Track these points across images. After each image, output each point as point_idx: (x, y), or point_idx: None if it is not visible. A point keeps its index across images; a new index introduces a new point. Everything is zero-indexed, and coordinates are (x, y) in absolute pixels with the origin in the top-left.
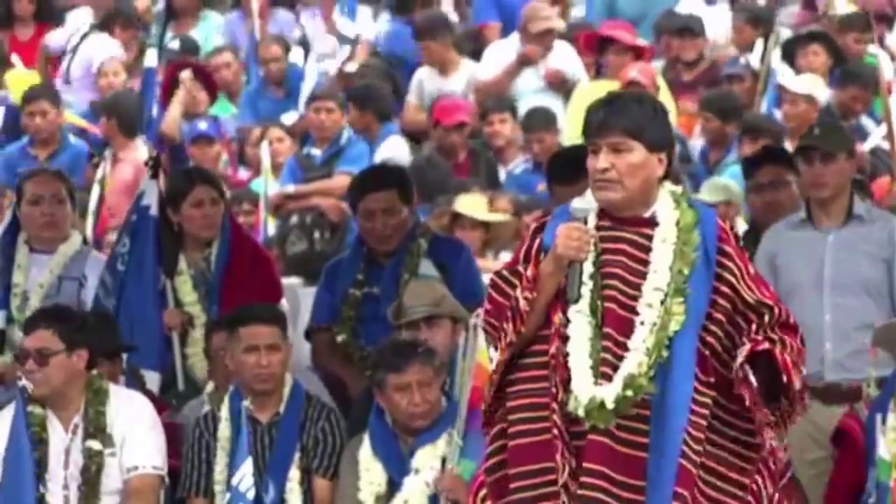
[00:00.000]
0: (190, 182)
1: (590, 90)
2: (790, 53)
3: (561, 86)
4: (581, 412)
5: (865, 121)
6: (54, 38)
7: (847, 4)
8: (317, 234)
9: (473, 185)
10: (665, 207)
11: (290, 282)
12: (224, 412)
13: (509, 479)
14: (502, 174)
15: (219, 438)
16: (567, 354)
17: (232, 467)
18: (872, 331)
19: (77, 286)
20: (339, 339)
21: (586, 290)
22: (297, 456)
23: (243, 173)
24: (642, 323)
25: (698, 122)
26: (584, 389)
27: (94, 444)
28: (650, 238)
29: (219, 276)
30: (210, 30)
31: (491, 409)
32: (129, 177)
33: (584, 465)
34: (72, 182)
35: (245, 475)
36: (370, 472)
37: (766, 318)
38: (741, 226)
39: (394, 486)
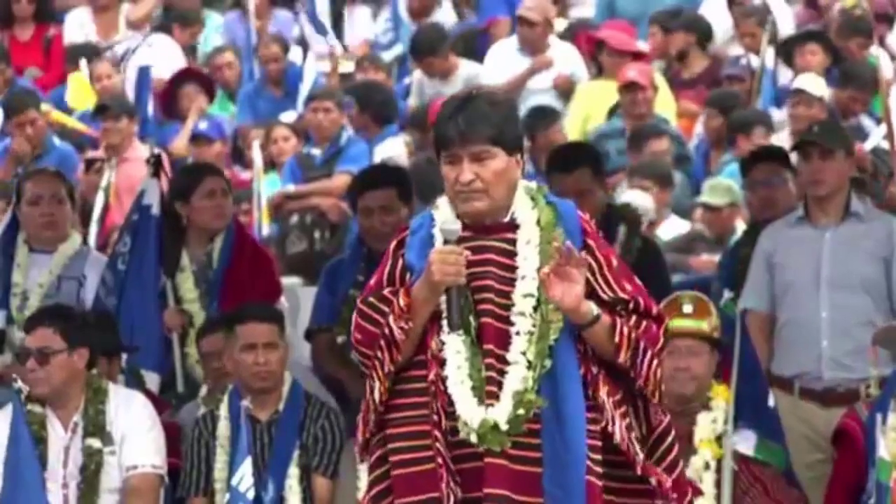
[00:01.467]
0: (200, 173)
1: (590, 90)
2: (788, 52)
3: (568, 90)
4: (474, 438)
5: (865, 121)
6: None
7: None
8: (317, 234)
9: None
10: (523, 208)
11: (289, 282)
12: (223, 411)
13: None
14: None
15: (218, 437)
16: (446, 379)
17: (231, 466)
18: (870, 328)
19: (77, 286)
20: (340, 339)
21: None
22: (296, 454)
23: (244, 174)
24: (518, 333)
25: (698, 120)
26: (472, 413)
27: (94, 443)
28: (514, 242)
29: (220, 273)
30: (209, 30)
31: (368, 437)
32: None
33: (486, 490)
34: (71, 182)
35: (244, 474)
36: None
37: (620, 310)
38: (741, 226)
39: None
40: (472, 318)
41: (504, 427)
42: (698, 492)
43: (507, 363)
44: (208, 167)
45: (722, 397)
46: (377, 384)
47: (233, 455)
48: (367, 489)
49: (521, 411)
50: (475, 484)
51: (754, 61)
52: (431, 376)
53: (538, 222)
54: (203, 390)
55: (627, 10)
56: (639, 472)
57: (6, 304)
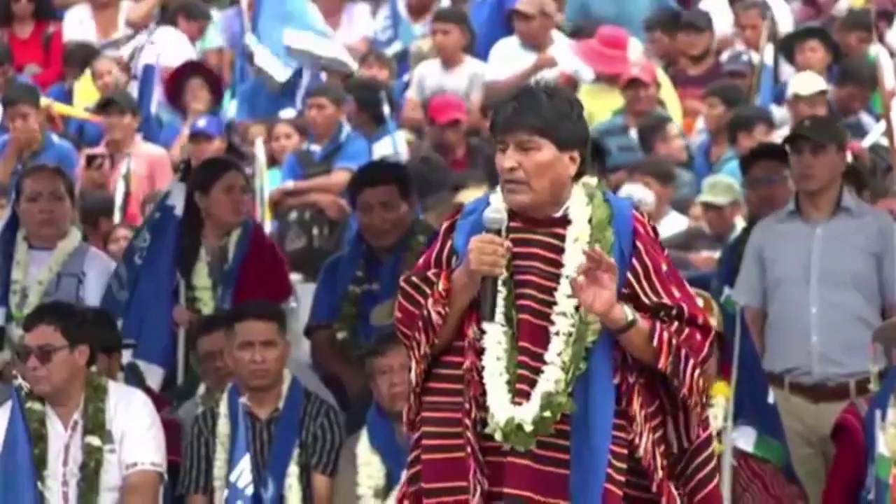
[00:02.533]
0: (222, 167)
1: (593, 89)
2: (789, 50)
3: (573, 89)
4: (499, 436)
5: (865, 117)
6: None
7: None
8: (315, 231)
9: (470, 179)
10: (578, 205)
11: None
12: (223, 408)
13: (423, 494)
14: None
15: (218, 435)
16: (482, 369)
17: (230, 463)
18: (860, 324)
19: (76, 283)
20: (339, 336)
21: (500, 297)
22: (296, 452)
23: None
24: (557, 334)
25: (699, 117)
26: (502, 410)
27: (93, 440)
28: (563, 238)
29: (236, 267)
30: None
31: (413, 419)
32: (143, 172)
33: (506, 490)
34: (70, 179)
35: (243, 471)
36: (369, 465)
37: (663, 316)
38: (741, 224)
39: (392, 479)
40: (513, 312)
41: (529, 428)
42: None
43: (541, 362)
44: (230, 163)
45: (722, 394)
46: (414, 365)
47: (232, 452)
48: (407, 467)
49: (547, 413)
50: (499, 479)
51: (756, 58)
52: (467, 364)
53: (590, 220)
54: (201, 389)
55: (603, 13)
56: (654, 488)
57: (5, 302)
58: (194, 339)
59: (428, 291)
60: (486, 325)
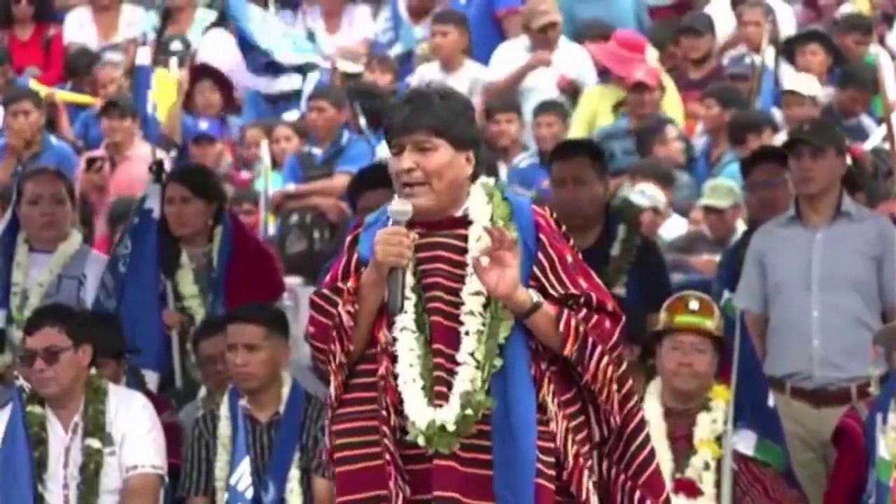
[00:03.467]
0: (168, 178)
1: (597, 93)
2: (790, 52)
3: (573, 93)
4: (422, 440)
5: (866, 120)
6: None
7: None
8: (316, 234)
9: None
10: (477, 204)
11: (289, 281)
12: (223, 411)
13: None
14: (503, 172)
15: (219, 437)
16: (397, 376)
17: (231, 466)
18: (861, 328)
19: (76, 285)
20: None
21: (410, 304)
22: (296, 456)
23: (243, 173)
24: (467, 333)
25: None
26: (421, 414)
27: (93, 443)
28: (465, 239)
29: (222, 272)
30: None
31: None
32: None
33: (436, 493)
34: (71, 181)
35: (243, 474)
36: None
37: (571, 304)
38: (742, 227)
39: None
40: (424, 316)
41: (451, 429)
42: (696, 492)
43: (455, 363)
44: (175, 172)
45: (722, 397)
46: (332, 378)
47: (232, 455)
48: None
49: (469, 412)
50: (424, 485)
51: (758, 60)
52: (381, 370)
53: (491, 218)
54: (202, 391)
55: (587, 16)
56: (565, 476)
57: (6, 304)
58: (195, 343)
59: (338, 300)
60: (397, 332)
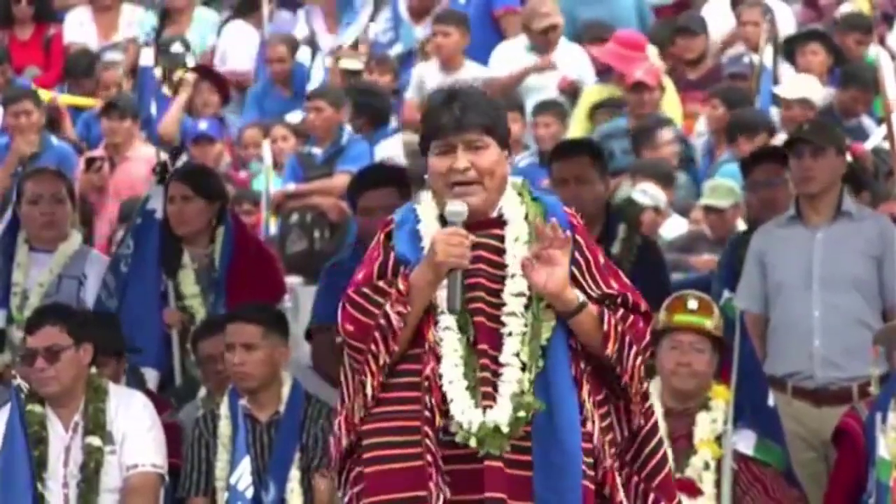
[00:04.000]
0: (171, 178)
1: (595, 91)
2: (790, 52)
3: (573, 94)
4: (473, 441)
5: (866, 121)
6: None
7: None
8: (317, 234)
9: None
10: (511, 204)
11: (290, 281)
12: (223, 410)
13: None
14: None
15: (219, 437)
16: (441, 376)
17: (232, 466)
18: (862, 327)
19: (77, 285)
20: (339, 339)
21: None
22: (297, 456)
23: (242, 173)
24: (510, 334)
25: (699, 120)
26: (470, 415)
27: (94, 441)
28: (502, 239)
29: (223, 272)
30: (205, 28)
31: (353, 441)
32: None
33: (488, 494)
34: (71, 181)
35: (243, 474)
36: None
37: (608, 304)
38: (741, 226)
39: None
40: (468, 316)
41: (505, 430)
42: (696, 492)
43: (499, 364)
44: (179, 171)
45: (722, 397)
46: (369, 379)
47: (232, 454)
48: (357, 498)
49: (521, 414)
50: (464, 487)
51: (757, 59)
52: (427, 371)
53: (526, 218)
54: (202, 392)
55: (589, 16)
56: (600, 475)
57: (6, 304)
58: (194, 343)
59: (381, 300)
60: (442, 332)
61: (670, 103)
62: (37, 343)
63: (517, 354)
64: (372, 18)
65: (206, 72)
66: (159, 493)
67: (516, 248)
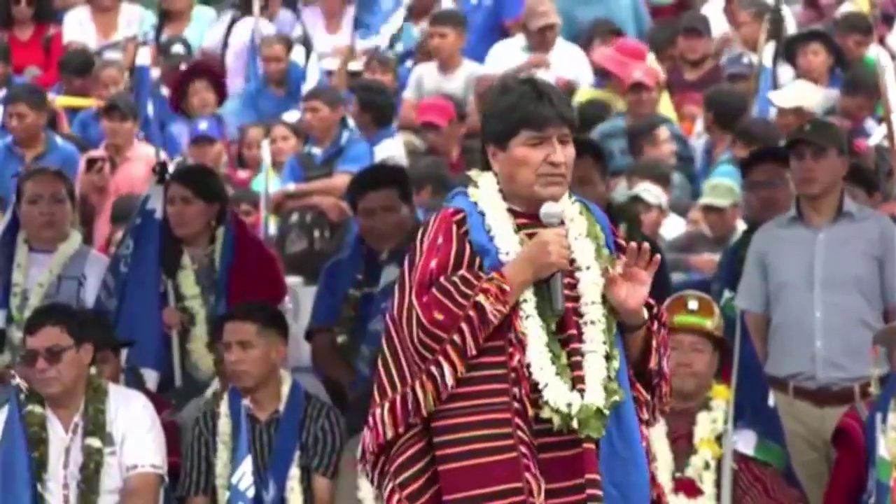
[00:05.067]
0: (170, 179)
1: (587, 95)
2: (791, 53)
3: (569, 94)
4: (574, 423)
5: (868, 121)
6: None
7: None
8: (316, 234)
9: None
10: (566, 202)
11: (290, 281)
12: (223, 408)
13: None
14: None
15: (219, 435)
16: (529, 365)
17: (233, 465)
18: (863, 328)
19: (76, 285)
20: (339, 339)
21: (529, 292)
22: (297, 455)
23: (242, 173)
24: (592, 322)
25: (697, 121)
26: (569, 398)
27: (94, 442)
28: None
29: (224, 273)
30: (203, 25)
31: (397, 435)
32: (137, 174)
33: (588, 476)
34: (71, 181)
35: (245, 473)
36: None
37: (650, 309)
38: (741, 226)
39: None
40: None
41: (607, 411)
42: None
43: (580, 353)
44: (178, 172)
45: (722, 397)
46: (448, 369)
47: (233, 453)
48: (400, 487)
49: (615, 397)
50: (555, 475)
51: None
52: (514, 362)
53: (580, 213)
54: (209, 391)
55: (586, 18)
56: (649, 475)
57: (6, 304)
58: (212, 338)
59: (470, 292)
60: (525, 321)
61: (663, 106)
62: (38, 344)
63: (603, 343)
64: (406, 19)
65: (202, 70)
66: (159, 494)
67: (582, 243)
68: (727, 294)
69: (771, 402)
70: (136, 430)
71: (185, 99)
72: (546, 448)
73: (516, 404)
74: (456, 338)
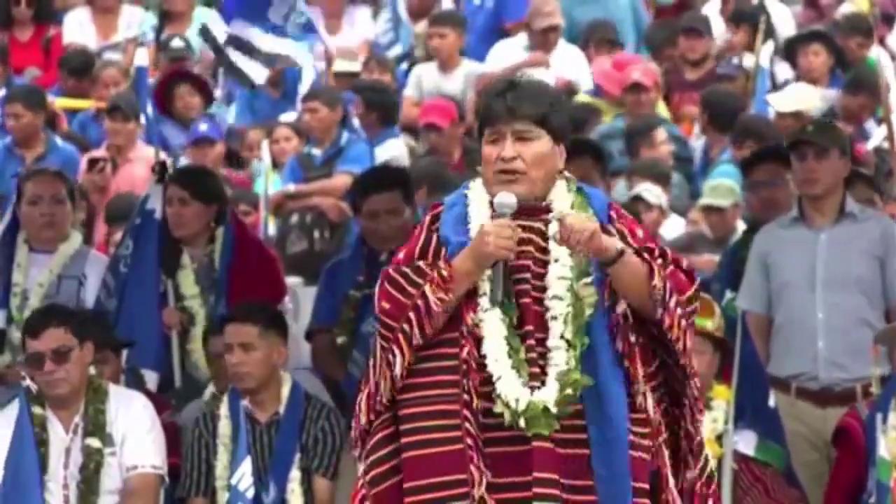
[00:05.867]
0: (169, 181)
1: (590, 100)
2: (791, 53)
3: (569, 95)
4: (521, 422)
5: (868, 122)
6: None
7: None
8: (316, 234)
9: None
10: (560, 195)
11: (290, 281)
12: (223, 410)
13: (403, 492)
14: None
15: (219, 437)
16: (483, 357)
17: (232, 466)
18: (865, 328)
19: (76, 285)
20: (339, 340)
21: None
22: (297, 457)
23: (240, 174)
24: (555, 318)
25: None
26: (519, 395)
27: (94, 442)
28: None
29: (224, 273)
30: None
31: (371, 420)
32: (138, 175)
33: (536, 474)
34: (72, 182)
35: (244, 474)
36: None
37: (652, 253)
38: (741, 226)
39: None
40: (512, 299)
41: (554, 410)
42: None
43: (545, 346)
44: (175, 175)
45: (722, 397)
46: (398, 358)
47: (233, 455)
48: (364, 472)
49: (569, 391)
50: (509, 469)
51: (746, 61)
52: (464, 354)
53: (572, 207)
54: (207, 393)
55: (585, 18)
56: (654, 447)
57: (6, 304)
58: (205, 341)
59: (421, 281)
60: (483, 314)
61: (659, 108)
62: (43, 346)
63: (563, 336)
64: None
65: (183, 74)
66: (159, 494)
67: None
68: (728, 294)
69: (771, 402)
70: (136, 431)
71: (170, 103)
72: (499, 442)
73: (465, 396)
74: (405, 326)
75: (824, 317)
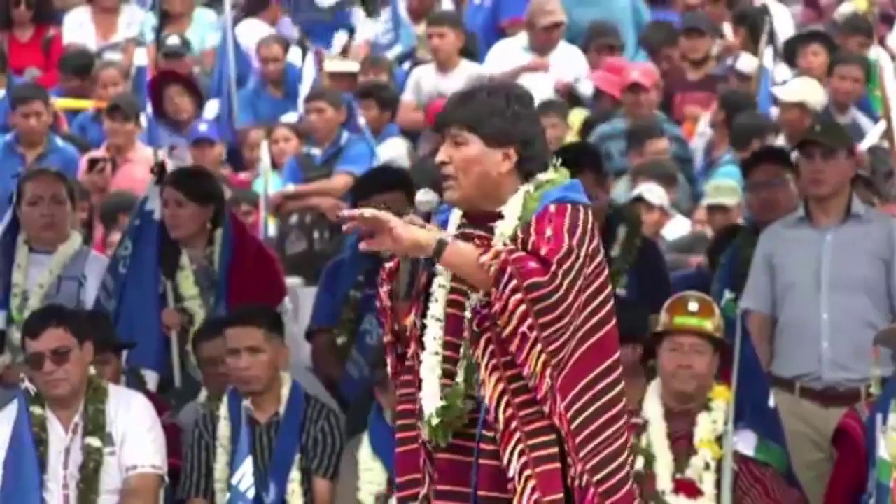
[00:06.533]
0: (166, 182)
1: (580, 114)
2: (791, 53)
3: (568, 96)
4: (426, 432)
5: (861, 119)
6: None
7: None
8: (316, 234)
9: None
10: (514, 202)
11: (290, 282)
12: (223, 411)
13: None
14: None
15: (219, 438)
16: (421, 363)
17: (232, 466)
18: (870, 329)
19: (76, 286)
20: (339, 340)
21: (443, 293)
22: (297, 457)
23: (241, 175)
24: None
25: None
26: (428, 405)
27: (93, 441)
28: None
29: (224, 273)
30: (204, 28)
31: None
32: (138, 175)
33: (438, 487)
34: (72, 182)
35: (245, 474)
36: (370, 471)
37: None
38: None
39: (394, 484)
40: (420, 298)
41: (434, 422)
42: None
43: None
44: (171, 176)
45: (722, 397)
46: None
47: (233, 455)
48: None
49: (447, 403)
50: (448, 477)
51: (743, 62)
52: (410, 354)
53: (520, 218)
54: (202, 396)
55: (584, 18)
56: (498, 437)
57: (6, 305)
58: (195, 345)
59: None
60: (427, 321)
61: None
62: (43, 346)
63: (454, 347)
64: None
65: (172, 77)
66: (159, 494)
67: (500, 244)
68: (727, 294)
69: (771, 402)
70: (135, 431)
71: (161, 104)
72: (447, 449)
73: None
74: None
75: (829, 317)
